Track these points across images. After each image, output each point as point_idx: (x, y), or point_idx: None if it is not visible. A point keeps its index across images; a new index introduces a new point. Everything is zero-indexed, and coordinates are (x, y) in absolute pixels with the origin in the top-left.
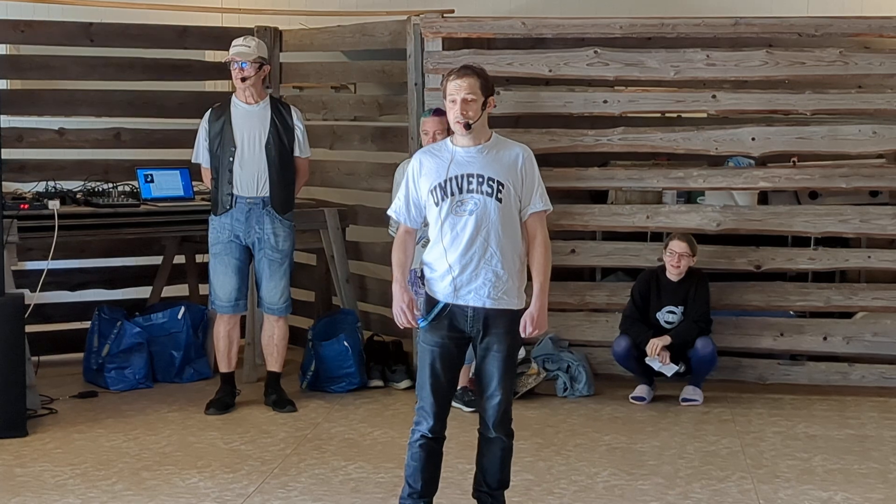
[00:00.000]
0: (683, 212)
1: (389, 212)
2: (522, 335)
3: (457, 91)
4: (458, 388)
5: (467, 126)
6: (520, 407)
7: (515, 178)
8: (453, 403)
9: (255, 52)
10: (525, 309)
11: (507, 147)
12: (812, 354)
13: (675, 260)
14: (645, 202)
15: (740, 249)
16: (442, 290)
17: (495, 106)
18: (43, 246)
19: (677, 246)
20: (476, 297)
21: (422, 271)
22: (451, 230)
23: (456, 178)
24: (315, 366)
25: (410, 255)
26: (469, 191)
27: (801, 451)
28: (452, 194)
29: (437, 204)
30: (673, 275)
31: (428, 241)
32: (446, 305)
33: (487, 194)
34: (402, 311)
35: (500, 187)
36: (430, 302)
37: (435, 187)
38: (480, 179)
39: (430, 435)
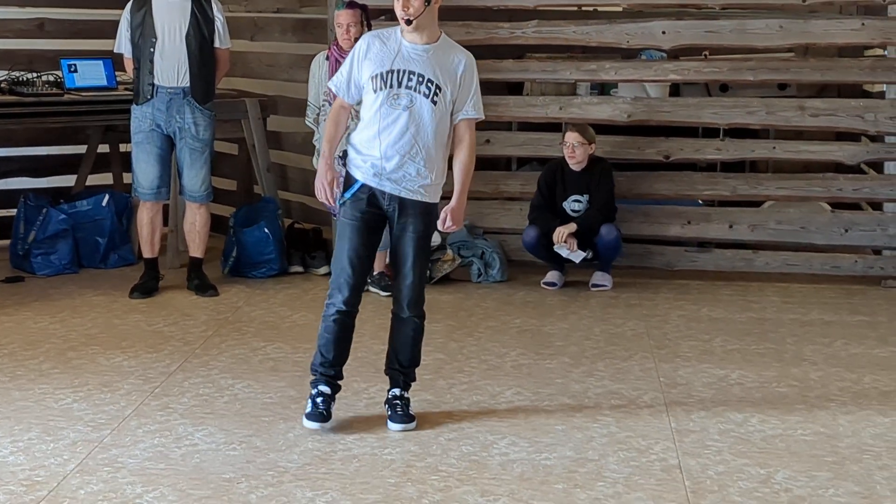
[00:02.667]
0: (595, 103)
1: (329, 83)
2: (440, 228)
3: None
4: (375, 272)
5: (408, 22)
6: (435, 292)
7: (454, 84)
8: (370, 288)
9: None
10: (438, 203)
11: (451, 51)
12: (718, 242)
13: (570, 150)
14: (560, 94)
15: (650, 140)
16: (364, 171)
17: (440, 3)
18: None
19: (570, 137)
20: (394, 186)
21: (344, 153)
22: (383, 119)
23: (398, 71)
24: (236, 252)
25: (342, 130)
26: (408, 87)
27: (703, 332)
28: (391, 86)
29: (374, 91)
30: (573, 164)
31: (352, 131)
32: (365, 186)
33: (424, 94)
34: (323, 187)
35: (438, 90)
36: (349, 181)
37: (376, 75)
38: (420, 79)
39: (344, 308)
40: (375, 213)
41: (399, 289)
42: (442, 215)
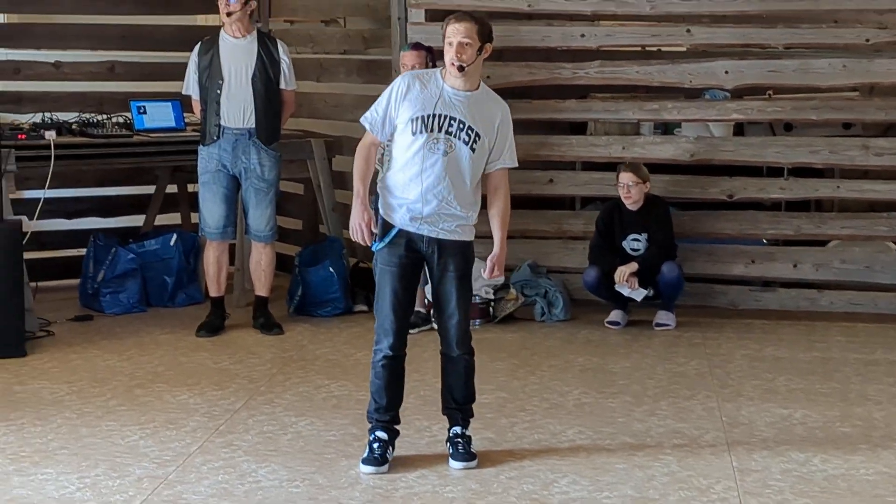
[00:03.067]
0: (658, 143)
1: (361, 120)
2: (485, 277)
3: (454, 34)
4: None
5: (461, 69)
6: (498, 330)
7: (491, 134)
8: (434, 326)
9: None
10: (473, 241)
11: (490, 101)
12: (783, 281)
13: (624, 191)
14: (623, 133)
15: (713, 179)
16: (400, 217)
17: (490, 53)
18: (40, 175)
19: (624, 177)
20: (432, 229)
21: (376, 195)
22: (421, 163)
23: (440, 116)
24: (301, 291)
25: (372, 167)
26: (448, 133)
27: (767, 372)
28: (432, 131)
29: (413, 133)
30: (629, 204)
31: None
32: (400, 230)
33: (464, 141)
34: (359, 227)
35: (477, 138)
36: (386, 226)
37: (417, 118)
38: (462, 125)
39: (390, 353)
40: (413, 256)
41: (446, 328)
42: (488, 265)
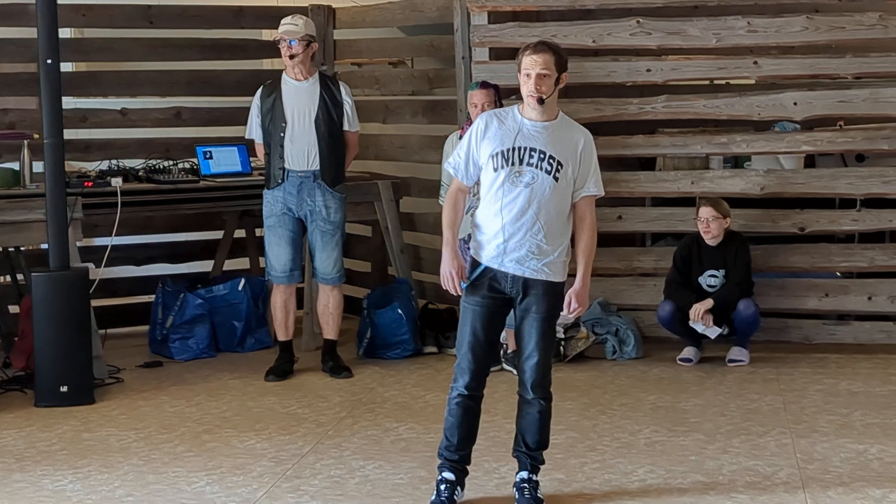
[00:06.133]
0: (728, 177)
1: (446, 166)
2: (565, 312)
3: (532, 66)
4: (510, 350)
5: (540, 101)
6: (569, 370)
7: (574, 161)
8: (504, 366)
9: (303, 30)
10: (564, 282)
11: (570, 129)
12: (857, 314)
13: (704, 225)
14: (693, 168)
15: (784, 212)
16: (487, 252)
17: (566, 82)
18: (108, 223)
19: (704, 211)
20: (517, 266)
21: (468, 237)
22: (504, 197)
23: (520, 149)
24: (370, 333)
25: (461, 214)
26: (529, 164)
27: (842, 407)
28: (513, 164)
29: (495, 170)
30: (709, 239)
31: (475, 209)
32: (489, 268)
33: (546, 171)
34: (450, 276)
35: (560, 167)
36: (474, 264)
37: (497, 153)
38: (542, 156)
39: (465, 392)
40: (498, 297)
41: (523, 370)
42: (567, 299)
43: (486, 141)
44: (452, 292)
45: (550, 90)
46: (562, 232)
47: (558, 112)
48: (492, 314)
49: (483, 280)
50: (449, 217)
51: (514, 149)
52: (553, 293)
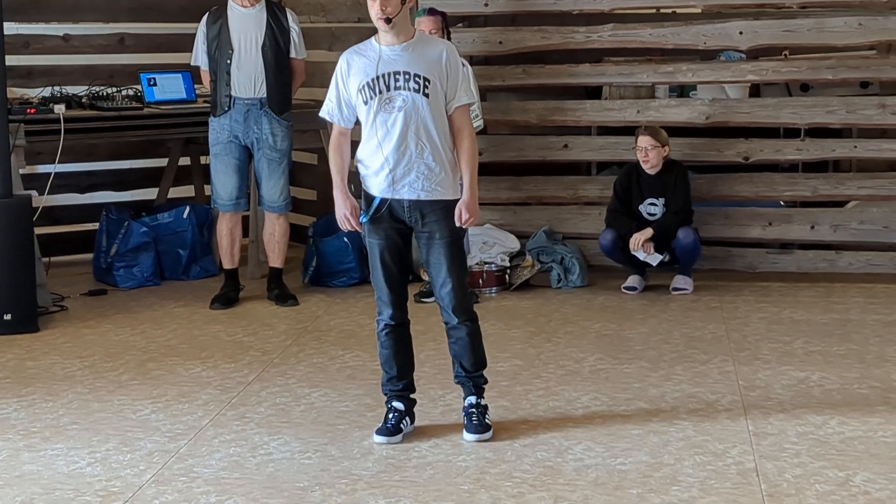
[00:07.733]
0: (673, 105)
1: (321, 113)
2: (457, 224)
3: None
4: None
5: (388, 21)
6: (514, 298)
7: (441, 74)
8: (424, 300)
9: None
10: (459, 199)
11: (430, 44)
12: (800, 243)
13: (643, 154)
14: (639, 97)
15: (729, 142)
16: (377, 185)
17: (414, 3)
18: (51, 150)
19: (642, 140)
20: (410, 190)
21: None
22: (382, 126)
23: (383, 76)
24: (316, 261)
25: (347, 157)
26: (397, 88)
27: (784, 334)
28: (381, 92)
29: (366, 102)
30: (648, 168)
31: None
32: (384, 200)
33: (415, 90)
34: (345, 218)
35: (427, 83)
36: (367, 199)
37: (363, 86)
38: (407, 76)
39: (392, 322)
40: (398, 227)
41: (441, 297)
42: (457, 211)
43: (351, 78)
44: (353, 229)
45: (397, 10)
46: (445, 147)
47: (414, 31)
48: (397, 245)
49: (381, 213)
50: (336, 163)
51: (377, 77)
52: (450, 214)
